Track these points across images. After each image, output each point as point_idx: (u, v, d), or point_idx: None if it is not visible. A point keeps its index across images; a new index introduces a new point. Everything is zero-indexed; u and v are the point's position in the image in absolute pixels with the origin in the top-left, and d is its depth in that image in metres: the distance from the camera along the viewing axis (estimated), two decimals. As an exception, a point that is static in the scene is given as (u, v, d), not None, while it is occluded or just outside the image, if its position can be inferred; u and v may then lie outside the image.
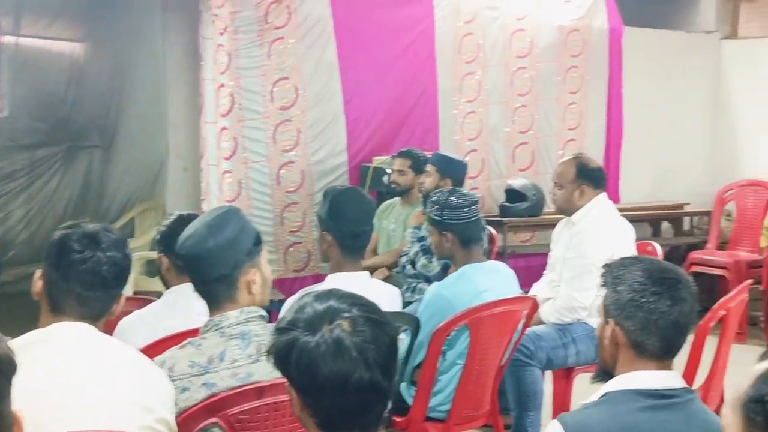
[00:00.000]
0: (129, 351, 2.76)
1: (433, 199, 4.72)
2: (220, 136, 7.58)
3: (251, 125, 7.67)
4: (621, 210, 5.56)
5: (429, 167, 6.48)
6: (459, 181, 6.34)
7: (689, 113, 10.19)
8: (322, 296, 2.14)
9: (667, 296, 2.65)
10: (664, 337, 2.64)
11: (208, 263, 2.95)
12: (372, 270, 6.33)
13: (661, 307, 2.64)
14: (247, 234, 3.00)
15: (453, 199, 4.64)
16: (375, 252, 6.98)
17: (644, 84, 9.85)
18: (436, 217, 4.66)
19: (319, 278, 6.70)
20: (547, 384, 5.23)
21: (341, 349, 2.02)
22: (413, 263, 6.19)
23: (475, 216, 4.63)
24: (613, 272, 2.74)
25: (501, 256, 7.90)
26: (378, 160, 7.97)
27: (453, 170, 6.40)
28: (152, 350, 3.07)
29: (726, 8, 10.52)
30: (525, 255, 8.65)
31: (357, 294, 2.16)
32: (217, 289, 2.99)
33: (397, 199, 7.08)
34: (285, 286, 7.53)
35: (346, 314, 2.07)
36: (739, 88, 10.18)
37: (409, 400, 4.46)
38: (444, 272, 5.43)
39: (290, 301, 2.75)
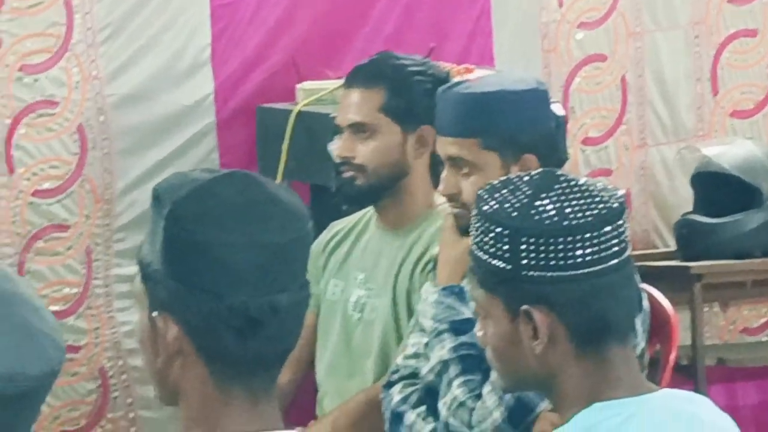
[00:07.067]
0: None
1: (488, 208, 1.57)
2: None
3: None
4: None
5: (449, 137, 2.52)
6: (555, 155, 2.57)
7: None
8: None
9: None
10: None
11: None
12: None
13: None
14: None
15: (546, 204, 1.54)
16: (298, 369, 2.94)
17: None
18: (500, 264, 1.54)
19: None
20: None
21: None
22: (428, 396, 2.50)
23: (615, 258, 1.54)
24: None
25: (690, 373, 3.72)
26: (307, 90, 3.53)
27: (532, 129, 2.51)
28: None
29: None
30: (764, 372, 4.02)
31: None
32: None
33: (367, 212, 2.97)
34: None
35: None
36: None
37: None
38: (517, 427, 2.39)
39: None
